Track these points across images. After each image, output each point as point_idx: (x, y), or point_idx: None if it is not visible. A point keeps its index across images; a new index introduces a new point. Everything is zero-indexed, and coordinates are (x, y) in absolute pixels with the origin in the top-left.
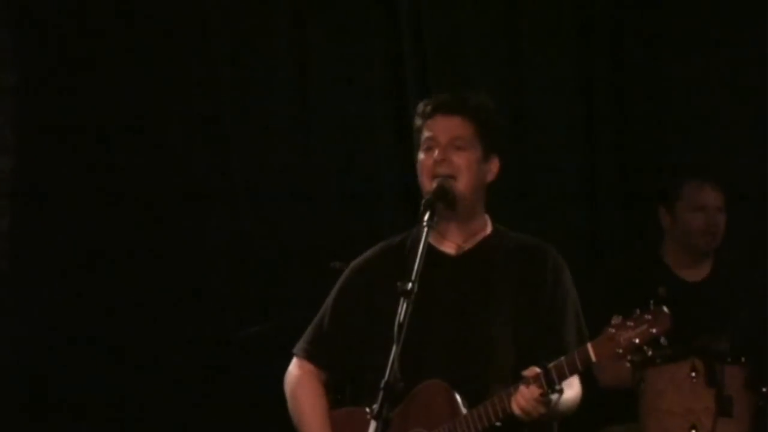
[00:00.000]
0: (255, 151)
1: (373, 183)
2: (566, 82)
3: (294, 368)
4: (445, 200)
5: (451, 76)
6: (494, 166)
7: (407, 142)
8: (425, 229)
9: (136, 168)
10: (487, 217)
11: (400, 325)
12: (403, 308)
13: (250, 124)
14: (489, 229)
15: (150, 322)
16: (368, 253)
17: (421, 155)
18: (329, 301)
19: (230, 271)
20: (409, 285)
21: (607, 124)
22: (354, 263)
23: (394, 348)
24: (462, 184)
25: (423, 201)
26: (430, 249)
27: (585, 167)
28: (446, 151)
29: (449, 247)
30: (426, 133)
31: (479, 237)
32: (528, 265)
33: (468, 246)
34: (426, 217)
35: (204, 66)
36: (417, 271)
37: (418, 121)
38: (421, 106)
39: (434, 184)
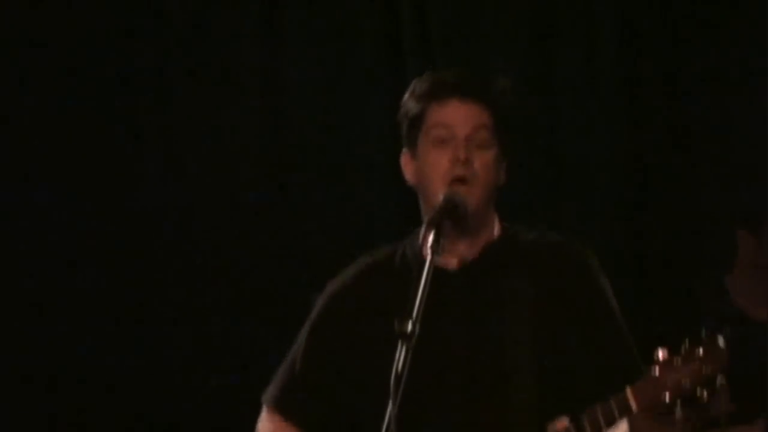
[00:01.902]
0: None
1: (362, 200)
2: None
3: (264, 421)
4: (453, 217)
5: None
6: (505, 168)
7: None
8: (429, 256)
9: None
10: (495, 219)
11: (398, 377)
12: (401, 355)
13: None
14: (497, 232)
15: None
16: (348, 273)
17: (425, 150)
18: (302, 335)
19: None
20: (409, 326)
21: (652, 122)
22: (330, 286)
23: (390, 405)
24: (477, 195)
25: (427, 219)
26: (418, 259)
27: (624, 178)
28: (468, 148)
29: (450, 261)
30: (435, 121)
31: (484, 244)
32: (549, 270)
33: (472, 256)
34: (430, 241)
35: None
36: (419, 308)
37: (414, 104)
38: (423, 85)
39: (441, 194)
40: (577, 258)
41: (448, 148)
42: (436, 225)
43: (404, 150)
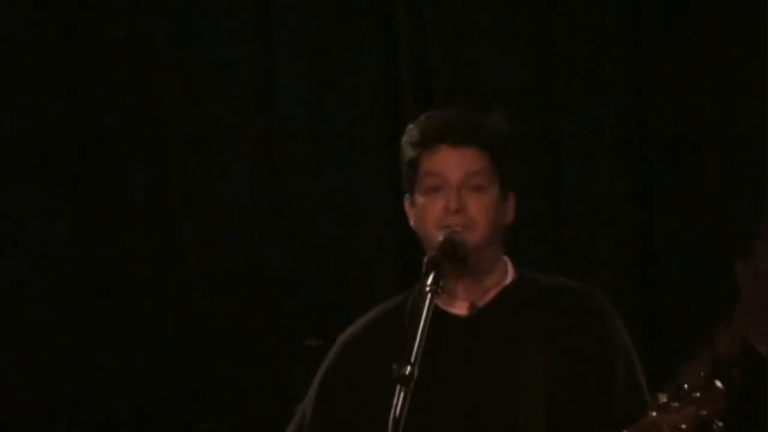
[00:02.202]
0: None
1: (357, 219)
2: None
3: None
4: (453, 258)
5: (460, 71)
6: (512, 204)
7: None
8: (428, 296)
9: None
10: (507, 263)
11: (396, 421)
12: (399, 398)
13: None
14: (510, 278)
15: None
16: (360, 323)
17: (420, 198)
18: (312, 389)
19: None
20: (407, 369)
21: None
22: (342, 338)
23: None
24: (477, 236)
25: (425, 260)
26: (435, 312)
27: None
28: (461, 195)
29: (460, 308)
30: (428, 169)
31: (497, 289)
32: (563, 317)
33: (483, 302)
34: (429, 281)
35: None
36: (417, 350)
37: (410, 151)
38: (414, 132)
39: (440, 237)
40: (595, 308)
41: (441, 196)
42: (434, 265)
43: (406, 195)
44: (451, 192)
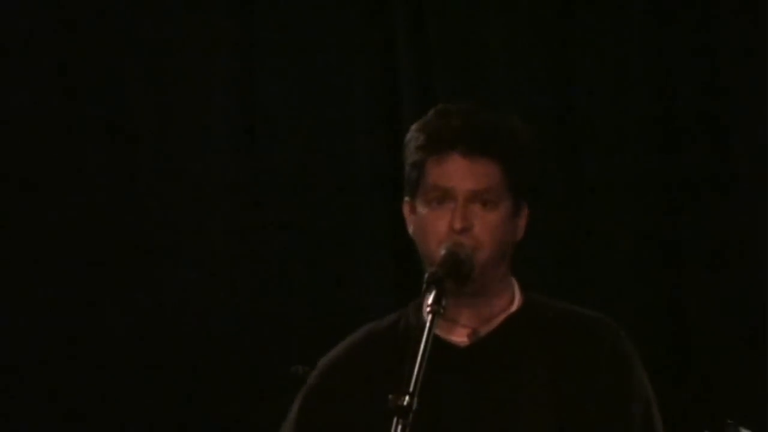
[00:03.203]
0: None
1: (351, 231)
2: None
3: None
4: (457, 276)
5: (464, 67)
6: (524, 219)
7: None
8: (429, 318)
9: None
10: (515, 286)
11: None
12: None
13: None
14: (516, 303)
15: None
16: (344, 345)
17: (422, 209)
18: (293, 411)
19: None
20: (406, 399)
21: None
22: (325, 360)
23: None
24: (485, 255)
25: (426, 276)
26: (433, 341)
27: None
28: (467, 211)
29: (459, 335)
30: (433, 179)
31: (502, 316)
32: (575, 353)
33: (486, 330)
34: (430, 300)
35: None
36: (417, 379)
37: (414, 153)
38: (421, 134)
39: (442, 251)
40: (614, 348)
41: (446, 210)
42: (436, 282)
43: (406, 198)
44: (457, 208)
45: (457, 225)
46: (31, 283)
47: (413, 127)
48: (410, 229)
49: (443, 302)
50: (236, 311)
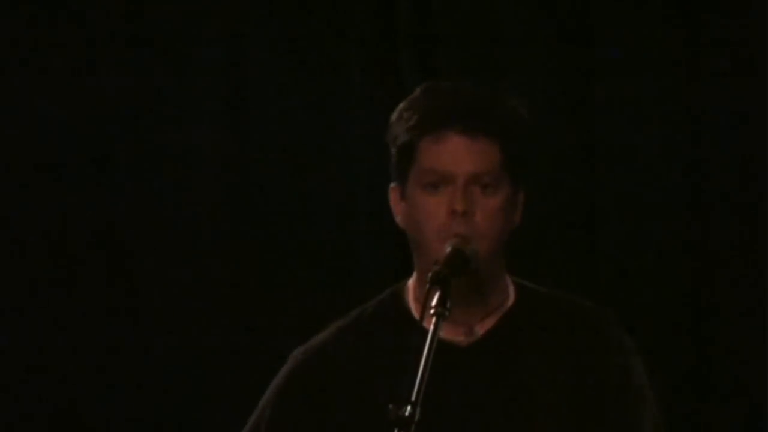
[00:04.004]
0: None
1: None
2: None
3: None
4: (463, 272)
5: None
6: (521, 205)
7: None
8: (434, 320)
9: None
10: (507, 278)
11: None
12: None
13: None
14: (512, 297)
15: None
16: (319, 339)
17: (415, 194)
18: (265, 404)
19: None
20: (408, 410)
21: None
22: (304, 350)
23: None
24: (486, 245)
25: (430, 275)
26: (422, 340)
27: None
28: (467, 196)
29: (455, 333)
30: (428, 161)
31: (499, 312)
32: (574, 342)
33: (483, 327)
34: (435, 302)
35: None
36: (419, 388)
37: (403, 134)
38: (411, 113)
39: (447, 249)
40: (610, 330)
41: (444, 195)
42: (441, 282)
43: (393, 184)
44: (457, 190)
45: (459, 207)
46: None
47: (400, 106)
48: (398, 218)
49: (448, 304)
50: (221, 295)
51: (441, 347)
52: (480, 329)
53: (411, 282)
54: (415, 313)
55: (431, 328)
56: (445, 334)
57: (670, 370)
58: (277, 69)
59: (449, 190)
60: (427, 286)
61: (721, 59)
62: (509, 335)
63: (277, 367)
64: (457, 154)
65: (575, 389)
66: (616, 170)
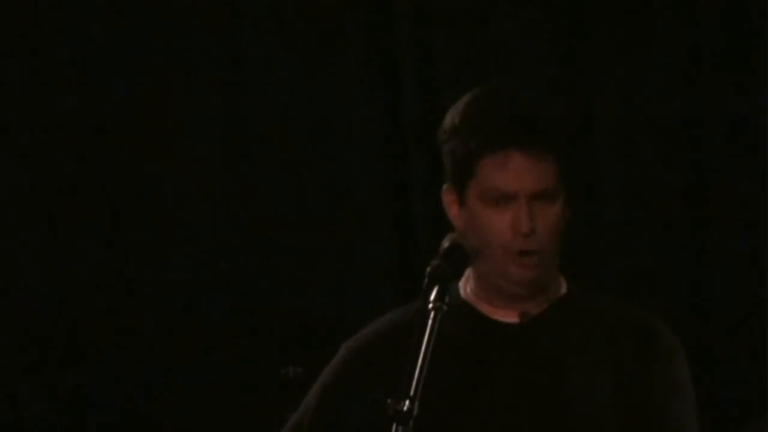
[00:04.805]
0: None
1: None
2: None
3: None
4: (463, 264)
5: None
6: (568, 207)
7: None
8: (432, 314)
9: None
10: (560, 276)
11: None
12: None
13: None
14: (564, 288)
15: None
16: (369, 330)
17: (477, 205)
18: (311, 397)
19: None
20: (406, 404)
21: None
22: (351, 343)
23: None
24: (548, 251)
25: (428, 270)
26: (481, 320)
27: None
28: (531, 214)
29: (509, 316)
30: (491, 179)
31: (552, 300)
32: (626, 337)
33: (535, 311)
34: (432, 297)
35: None
36: (417, 382)
37: (460, 146)
38: (466, 130)
39: (446, 243)
40: (664, 337)
41: (507, 211)
42: (440, 278)
43: (447, 186)
44: (521, 211)
45: (525, 229)
46: None
47: (454, 114)
48: (456, 221)
49: (447, 299)
50: (220, 294)
51: (494, 326)
52: (531, 312)
53: (462, 282)
54: (476, 307)
55: (429, 322)
56: (498, 316)
57: None
58: (276, 67)
59: (512, 207)
60: (426, 280)
61: (720, 47)
62: (561, 319)
63: (276, 365)
64: (519, 173)
65: (626, 379)
66: (616, 163)
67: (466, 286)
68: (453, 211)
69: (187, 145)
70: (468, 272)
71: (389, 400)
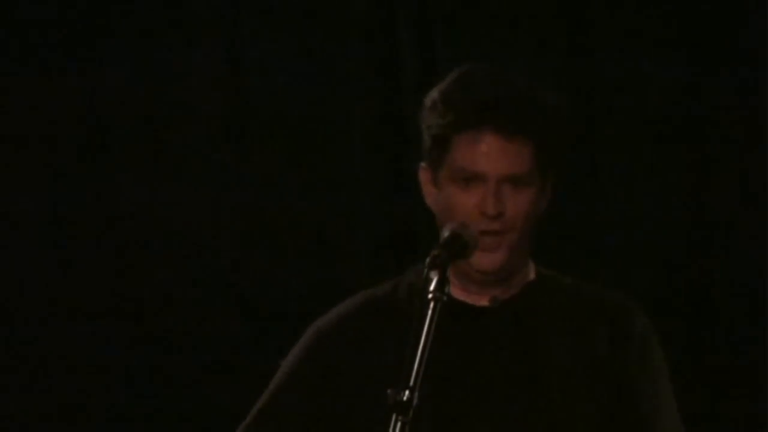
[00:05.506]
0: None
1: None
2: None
3: None
4: (462, 254)
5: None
6: (549, 192)
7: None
8: (431, 305)
9: None
10: (530, 262)
11: None
12: (396, 429)
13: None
14: (532, 274)
15: None
16: (339, 310)
17: (448, 185)
18: (280, 375)
19: None
20: (406, 394)
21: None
22: (320, 323)
23: None
24: (516, 237)
25: (428, 260)
26: (452, 301)
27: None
28: (499, 197)
29: (479, 300)
30: (462, 159)
31: (521, 285)
32: (596, 320)
33: (506, 296)
34: (433, 286)
35: None
36: (418, 373)
37: (437, 124)
38: (443, 108)
39: (445, 233)
40: (638, 320)
41: (476, 192)
42: (439, 266)
43: (423, 164)
44: (489, 193)
45: (491, 211)
46: None
47: (434, 94)
48: (429, 199)
49: (446, 288)
50: (219, 295)
51: (464, 309)
52: (502, 297)
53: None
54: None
55: (428, 313)
56: (470, 299)
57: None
58: (276, 66)
59: (481, 188)
60: (425, 270)
61: (722, 39)
62: (531, 303)
63: (274, 362)
64: (490, 155)
65: (598, 361)
66: (617, 155)
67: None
68: (427, 189)
69: (188, 144)
70: None
71: (389, 391)
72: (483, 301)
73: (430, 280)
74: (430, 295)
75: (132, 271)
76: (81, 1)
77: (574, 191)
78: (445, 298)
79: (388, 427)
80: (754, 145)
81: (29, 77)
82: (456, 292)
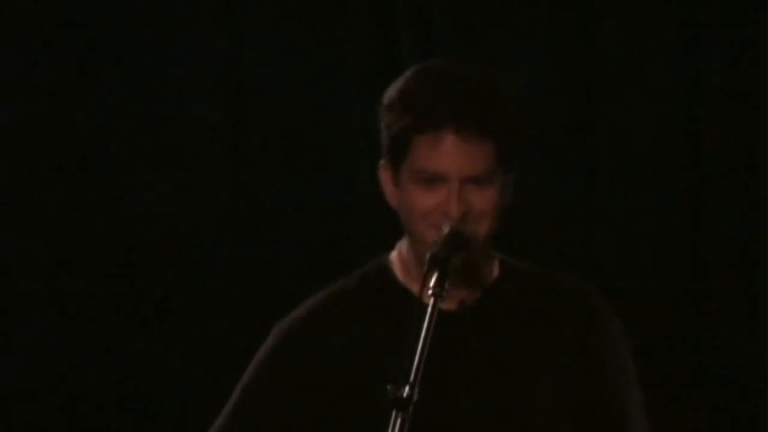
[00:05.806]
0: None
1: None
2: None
3: None
4: (464, 252)
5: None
6: (511, 184)
7: None
8: (431, 301)
9: None
10: (493, 254)
11: None
12: (396, 425)
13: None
14: (496, 269)
15: None
16: (309, 305)
17: (408, 184)
18: (247, 379)
19: None
20: (406, 390)
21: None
22: (288, 320)
23: None
24: (485, 231)
25: (428, 256)
26: (421, 305)
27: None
28: (462, 194)
29: (448, 304)
30: (422, 160)
31: (486, 283)
32: (572, 324)
33: (472, 298)
34: (433, 282)
35: None
36: (418, 368)
37: (396, 123)
38: (401, 108)
39: (445, 230)
40: (594, 303)
41: (438, 193)
42: (439, 263)
43: (383, 162)
44: (452, 195)
45: (454, 213)
46: None
47: (392, 92)
48: (390, 198)
49: (446, 285)
50: (218, 294)
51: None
52: (468, 300)
53: (395, 255)
54: (407, 285)
55: (429, 309)
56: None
57: (664, 363)
58: (276, 66)
59: (443, 189)
60: (426, 266)
61: (722, 35)
62: (497, 304)
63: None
64: (452, 156)
65: (559, 359)
66: (614, 147)
67: (400, 264)
68: (388, 188)
69: (187, 145)
70: (399, 250)
71: (389, 387)
72: (451, 305)
73: (430, 277)
74: (430, 292)
75: (132, 271)
76: (81, 1)
77: (573, 193)
78: (445, 294)
79: (387, 423)
80: (754, 145)
81: (29, 77)
82: (425, 295)
